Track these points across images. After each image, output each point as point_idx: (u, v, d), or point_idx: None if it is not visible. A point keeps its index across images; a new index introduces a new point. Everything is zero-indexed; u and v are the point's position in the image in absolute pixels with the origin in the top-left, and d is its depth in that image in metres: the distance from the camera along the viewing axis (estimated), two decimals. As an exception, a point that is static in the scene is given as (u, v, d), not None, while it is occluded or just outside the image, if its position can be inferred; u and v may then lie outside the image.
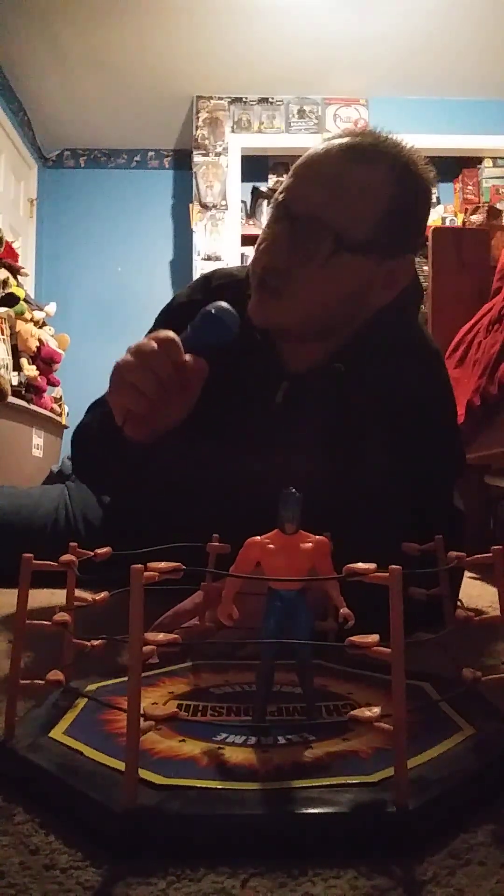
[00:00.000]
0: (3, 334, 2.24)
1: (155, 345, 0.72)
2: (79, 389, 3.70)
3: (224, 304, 0.78)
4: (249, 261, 0.89)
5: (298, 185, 0.81)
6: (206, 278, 1.02)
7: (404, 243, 0.85)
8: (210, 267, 3.62)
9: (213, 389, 0.78)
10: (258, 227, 4.04)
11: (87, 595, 0.53)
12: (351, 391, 0.88)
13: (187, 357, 0.73)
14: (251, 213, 4.26)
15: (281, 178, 4.09)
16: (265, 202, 4.14)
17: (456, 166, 4.27)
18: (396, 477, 0.84)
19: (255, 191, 4.24)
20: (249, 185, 4.24)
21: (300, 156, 0.84)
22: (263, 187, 4.22)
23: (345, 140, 0.82)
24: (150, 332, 1.05)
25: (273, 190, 0.93)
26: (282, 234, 0.80)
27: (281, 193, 0.83)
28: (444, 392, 0.96)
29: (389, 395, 0.87)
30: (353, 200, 0.80)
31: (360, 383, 0.88)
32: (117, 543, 0.57)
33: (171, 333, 0.74)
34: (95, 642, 0.53)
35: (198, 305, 0.92)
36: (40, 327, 2.69)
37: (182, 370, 0.73)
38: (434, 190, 0.89)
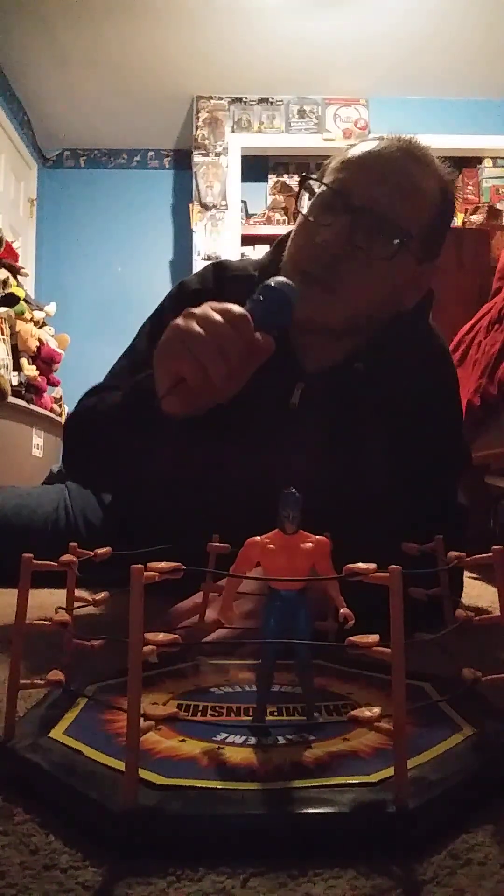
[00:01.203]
0: (3, 334, 2.24)
1: (223, 319, 0.66)
2: (79, 389, 3.67)
3: (285, 279, 0.71)
4: (252, 258, 0.87)
5: (358, 178, 0.80)
6: (219, 267, 0.98)
7: (437, 249, 0.86)
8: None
9: None
10: (257, 227, 4.04)
11: (87, 595, 0.53)
12: (366, 391, 0.87)
13: (258, 335, 0.68)
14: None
15: (281, 178, 4.11)
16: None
17: (456, 166, 4.27)
18: (402, 474, 0.84)
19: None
20: (249, 186, 4.23)
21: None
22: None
23: (397, 141, 0.83)
24: (154, 317, 1.00)
25: (305, 177, 0.91)
26: (341, 225, 0.78)
27: (334, 184, 0.81)
28: (450, 386, 0.96)
29: (399, 391, 0.87)
30: (412, 198, 0.81)
31: (375, 382, 0.87)
32: (118, 543, 0.57)
33: (240, 308, 0.68)
34: (95, 642, 0.53)
35: (209, 294, 0.90)
36: (40, 327, 2.69)
37: (250, 349, 0.68)
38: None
